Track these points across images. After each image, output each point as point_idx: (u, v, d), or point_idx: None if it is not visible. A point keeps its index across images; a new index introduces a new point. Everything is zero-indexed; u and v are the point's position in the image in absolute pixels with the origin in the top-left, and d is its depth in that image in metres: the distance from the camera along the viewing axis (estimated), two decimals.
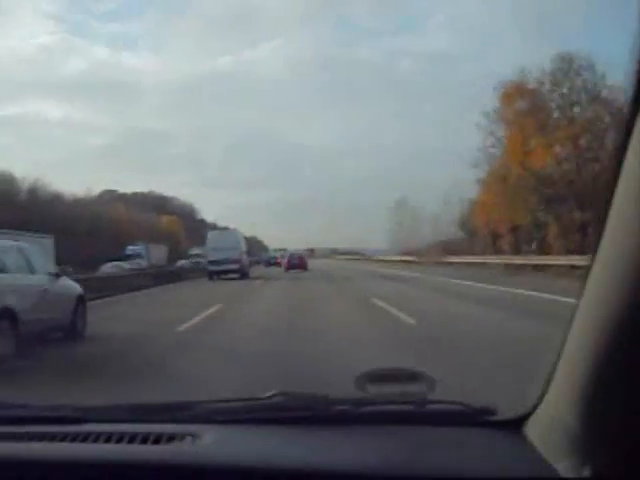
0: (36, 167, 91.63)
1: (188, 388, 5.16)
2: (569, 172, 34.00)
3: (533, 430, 1.21)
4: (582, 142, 34.28)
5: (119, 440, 1.29)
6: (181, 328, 9.94)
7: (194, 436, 1.29)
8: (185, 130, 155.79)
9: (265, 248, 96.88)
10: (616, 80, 30.35)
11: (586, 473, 0.98)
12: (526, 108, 36.71)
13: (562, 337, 1.07)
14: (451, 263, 39.11)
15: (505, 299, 14.06)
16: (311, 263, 44.81)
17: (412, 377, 1.42)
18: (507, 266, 29.79)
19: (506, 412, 1.33)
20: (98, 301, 15.46)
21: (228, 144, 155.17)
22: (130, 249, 51.15)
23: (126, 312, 14.46)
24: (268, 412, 1.40)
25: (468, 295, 15.70)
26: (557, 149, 35.53)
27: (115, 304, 16.69)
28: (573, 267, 20.88)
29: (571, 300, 1.05)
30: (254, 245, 77.45)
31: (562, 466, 1.05)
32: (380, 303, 13.10)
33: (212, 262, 29.73)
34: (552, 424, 1.12)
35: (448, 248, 45.33)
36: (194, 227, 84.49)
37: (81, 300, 9.63)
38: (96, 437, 1.31)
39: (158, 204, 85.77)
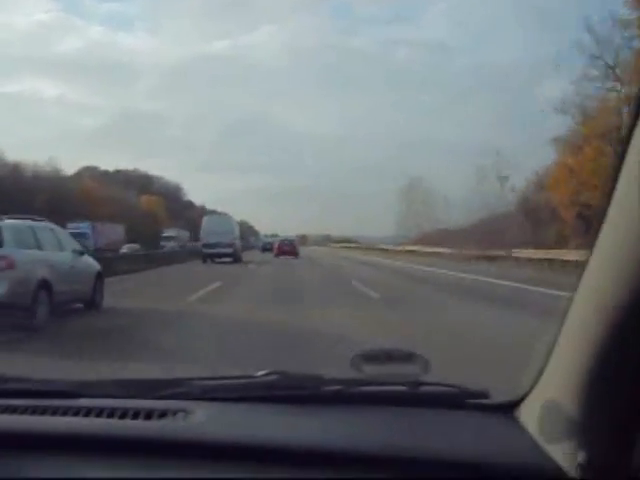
0: (24, 144, 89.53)
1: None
2: None
3: (526, 414, 1.22)
4: None
5: (110, 415, 1.29)
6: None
7: (186, 412, 1.29)
8: (179, 113, 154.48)
9: (256, 233, 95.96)
10: None
11: (580, 458, 0.99)
12: None
13: (558, 323, 1.10)
14: (518, 259, 26.85)
15: None
16: (301, 251, 43.61)
17: (407, 358, 1.44)
18: None
19: (499, 396, 1.35)
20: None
21: (222, 128, 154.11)
22: (71, 227, 37.85)
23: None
24: (262, 390, 1.39)
25: None
26: None
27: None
28: None
29: None
30: (245, 230, 75.30)
31: (555, 450, 1.05)
32: None
33: (206, 245, 30.82)
34: (546, 409, 1.13)
35: (487, 238, 32.30)
36: (178, 208, 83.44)
37: (99, 276, 10.58)
38: (87, 412, 1.30)
39: (143, 183, 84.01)
